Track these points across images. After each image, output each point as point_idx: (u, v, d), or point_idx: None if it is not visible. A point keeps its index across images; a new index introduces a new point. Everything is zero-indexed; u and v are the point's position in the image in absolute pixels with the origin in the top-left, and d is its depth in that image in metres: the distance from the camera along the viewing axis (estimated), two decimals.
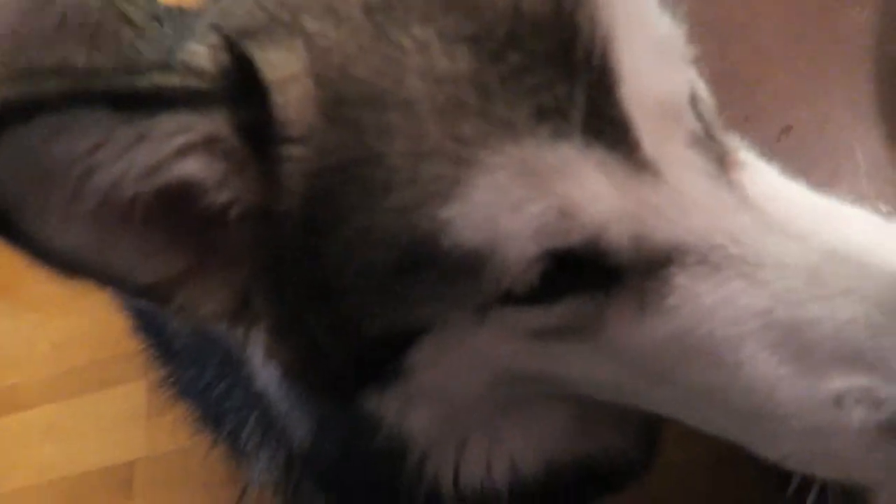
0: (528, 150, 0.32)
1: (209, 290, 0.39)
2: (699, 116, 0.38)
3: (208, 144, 0.34)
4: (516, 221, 0.33)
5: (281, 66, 0.34)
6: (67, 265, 0.35)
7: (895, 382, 0.31)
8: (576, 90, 0.32)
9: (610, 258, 0.35)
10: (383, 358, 0.40)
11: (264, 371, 0.48)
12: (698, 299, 0.34)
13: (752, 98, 0.56)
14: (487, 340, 0.39)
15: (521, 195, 0.33)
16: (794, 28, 0.60)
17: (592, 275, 0.36)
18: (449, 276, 0.35)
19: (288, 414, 0.50)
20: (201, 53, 0.34)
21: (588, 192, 0.33)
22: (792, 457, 0.36)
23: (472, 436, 0.48)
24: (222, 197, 0.36)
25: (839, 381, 0.33)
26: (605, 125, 0.33)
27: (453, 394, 0.44)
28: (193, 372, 0.74)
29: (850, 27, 0.58)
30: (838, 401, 0.33)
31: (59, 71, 0.31)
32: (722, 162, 0.37)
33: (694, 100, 0.38)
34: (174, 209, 0.36)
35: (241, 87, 0.34)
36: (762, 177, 0.38)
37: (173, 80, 0.33)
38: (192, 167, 0.34)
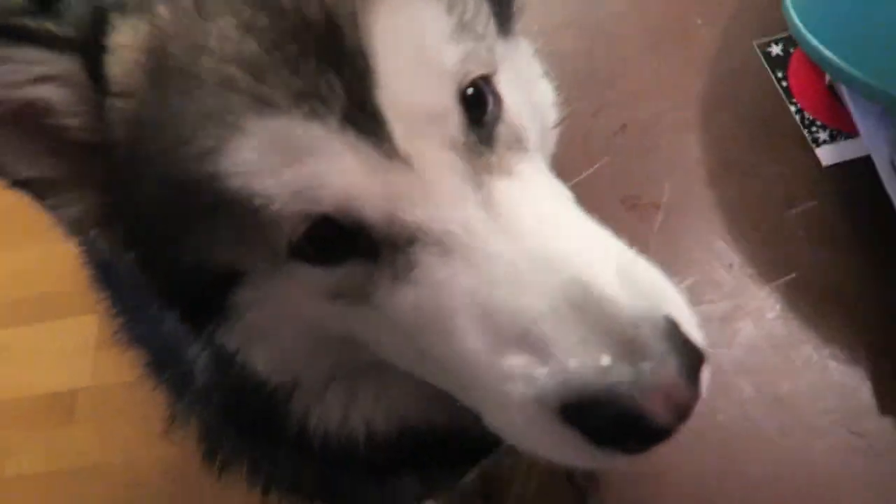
0: (282, 124, 0.37)
1: (71, 200, 0.45)
2: (484, 128, 0.43)
3: (62, 79, 0.42)
4: (274, 183, 0.38)
5: (123, 35, 0.42)
6: None
7: (547, 364, 0.36)
8: (335, 83, 0.38)
9: (371, 232, 0.40)
10: (213, 295, 0.45)
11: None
12: (432, 275, 0.39)
13: (602, 95, 0.65)
14: (291, 293, 0.44)
15: (275, 161, 0.38)
16: (652, 38, 0.69)
17: (363, 247, 0.41)
18: (238, 222, 0.40)
19: (182, 346, 0.55)
20: (76, 13, 0.42)
21: (336, 168, 0.38)
22: (494, 426, 0.40)
23: (330, 386, 0.52)
24: (72, 122, 0.43)
25: (511, 359, 0.38)
26: (361, 117, 0.38)
27: (282, 339, 0.48)
28: (142, 324, 0.77)
29: (697, 41, 0.68)
30: (509, 376, 0.38)
31: None
32: (485, 167, 0.41)
33: (488, 121, 0.43)
34: (38, 125, 0.43)
35: (94, 43, 0.41)
36: (522, 186, 0.42)
37: (42, 25, 0.41)
38: (47, 92, 0.41)
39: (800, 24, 0.54)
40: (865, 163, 0.57)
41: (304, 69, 0.38)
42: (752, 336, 0.54)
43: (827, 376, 0.52)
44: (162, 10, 0.41)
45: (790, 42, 0.65)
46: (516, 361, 0.37)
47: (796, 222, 0.58)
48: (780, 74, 0.64)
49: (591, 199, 0.60)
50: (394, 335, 0.43)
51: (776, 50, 0.66)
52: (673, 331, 0.37)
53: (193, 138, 0.39)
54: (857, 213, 0.57)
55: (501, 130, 0.44)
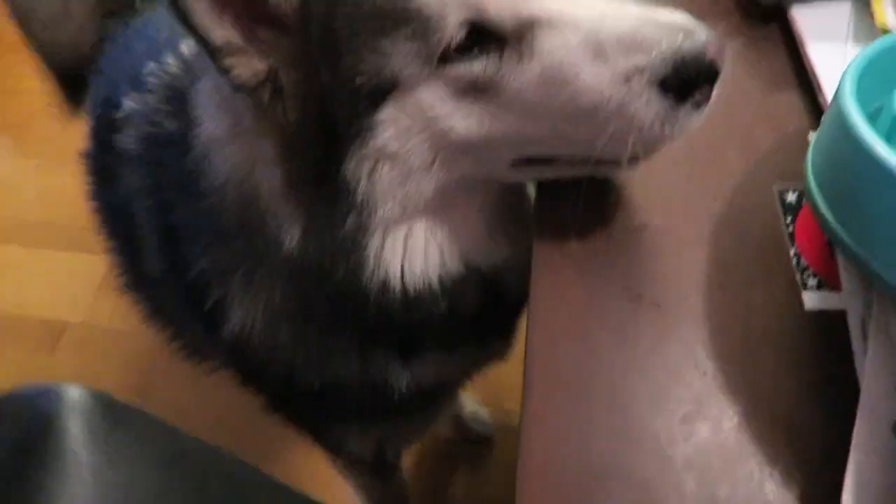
0: None
1: (249, 62, 0.60)
2: None
3: None
4: (451, 3, 0.56)
5: None
6: (183, 16, 0.56)
7: (653, 55, 0.56)
8: None
9: (502, 32, 0.57)
10: (362, 112, 0.59)
11: (263, 179, 0.66)
12: (551, 45, 0.57)
13: (630, 193, 0.73)
14: (431, 98, 0.59)
15: None
16: (686, 156, 0.77)
17: (492, 44, 0.58)
18: (413, 34, 0.56)
19: (279, 222, 0.66)
20: None
21: None
22: (612, 137, 0.58)
23: (415, 225, 0.66)
24: (283, 6, 0.59)
25: (623, 63, 0.56)
26: None
27: (411, 151, 0.61)
28: (153, 260, 0.86)
29: (726, 170, 0.76)
30: (627, 77, 0.56)
31: None
32: None
33: None
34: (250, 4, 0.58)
35: None
36: None
37: None
38: None
39: (812, 181, 0.62)
40: (842, 316, 0.64)
41: None
42: (707, 439, 0.60)
43: (762, 493, 0.58)
44: None
45: (804, 196, 0.72)
46: (629, 63, 0.55)
47: (770, 351, 0.64)
48: (788, 219, 0.72)
49: (600, 279, 0.67)
50: (515, 116, 0.59)
51: (791, 198, 0.73)
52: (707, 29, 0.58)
53: None
54: (826, 358, 0.64)
55: None
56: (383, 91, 0.58)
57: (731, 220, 0.73)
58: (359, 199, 0.62)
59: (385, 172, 0.61)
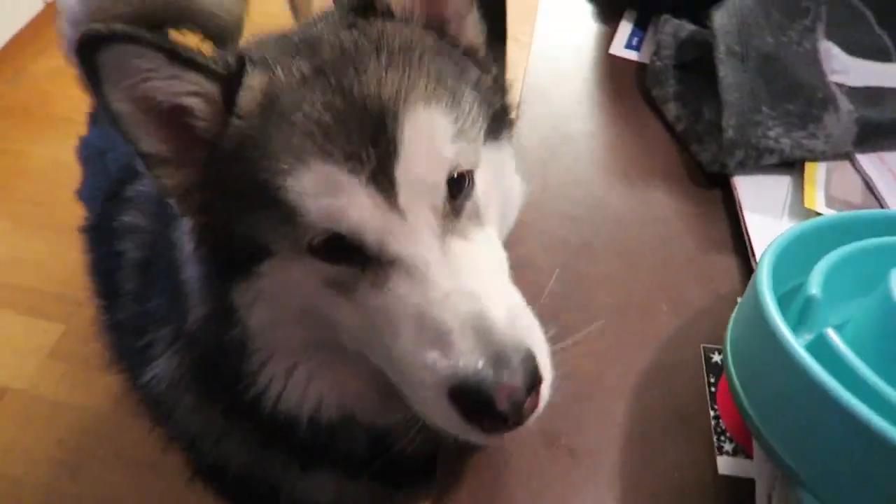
0: (332, 170, 0.57)
1: (174, 174, 0.64)
2: (457, 203, 0.62)
3: (206, 95, 0.62)
4: (315, 204, 0.58)
5: (254, 80, 0.62)
6: (113, 119, 0.60)
7: (448, 360, 0.55)
8: (371, 153, 0.58)
9: (366, 250, 0.59)
10: (246, 260, 0.63)
11: (189, 263, 0.71)
12: (397, 289, 0.58)
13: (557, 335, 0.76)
14: (301, 274, 0.61)
15: (321, 191, 0.58)
16: (619, 305, 0.79)
17: (357, 257, 0.60)
18: (284, 219, 0.59)
19: (192, 296, 0.71)
20: (228, 59, 0.62)
21: (357, 206, 0.58)
22: (416, 404, 0.59)
23: (299, 363, 0.68)
24: (200, 124, 0.62)
25: (429, 354, 0.56)
26: (381, 178, 0.58)
27: (282, 305, 0.65)
28: (130, 304, 0.94)
29: (656, 323, 0.78)
30: (425, 365, 0.56)
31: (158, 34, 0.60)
32: (451, 229, 0.61)
33: (461, 198, 0.63)
34: (177, 121, 0.62)
35: (235, 80, 0.62)
36: (471, 247, 0.62)
37: (206, 60, 0.61)
38: (194, 102, 0.62)
39: (730, 356, 0.64)
40: (752, 485, 0.64)
41: (355, 139, 0.58)
42: None
43: None
44: (279, 73, 0.62)
45: None
46: (431, 356, 0.56)
47: None
48: (712, 380, 0.74)
49: None
50: (362, 323, 0.61)
51: (717, 358, 0.76)
52: (528, 358, 0.56)
53: (274, 158, 0.58)
54: None
55: (468, 206, 0.64)
56: (262, 249, 0.62)
57: (656, 373, 0.75)
58: (242, 321, 0.66)
59: (260, 312, 0.65)
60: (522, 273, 0.81)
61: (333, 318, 0.63)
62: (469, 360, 0.54)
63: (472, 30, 0.72)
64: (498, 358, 0.55)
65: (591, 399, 0.72)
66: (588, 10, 1.22)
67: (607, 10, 1.21)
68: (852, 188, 0.90)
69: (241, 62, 0.62)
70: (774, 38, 0.97)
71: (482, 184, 0.65)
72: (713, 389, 0.73)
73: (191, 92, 0.61)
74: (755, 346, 0.63)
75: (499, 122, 0.70)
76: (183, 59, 0.60)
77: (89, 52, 0.56)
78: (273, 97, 0.61)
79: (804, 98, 0.92)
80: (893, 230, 0.70)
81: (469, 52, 0.71)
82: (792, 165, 0.92)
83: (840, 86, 0.94)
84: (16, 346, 2.03)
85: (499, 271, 0.64)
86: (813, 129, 0.90)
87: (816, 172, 0.91)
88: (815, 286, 0.62)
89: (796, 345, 0.56)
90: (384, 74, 0.60)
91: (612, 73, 1.11)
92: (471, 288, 0.58)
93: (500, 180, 0.70)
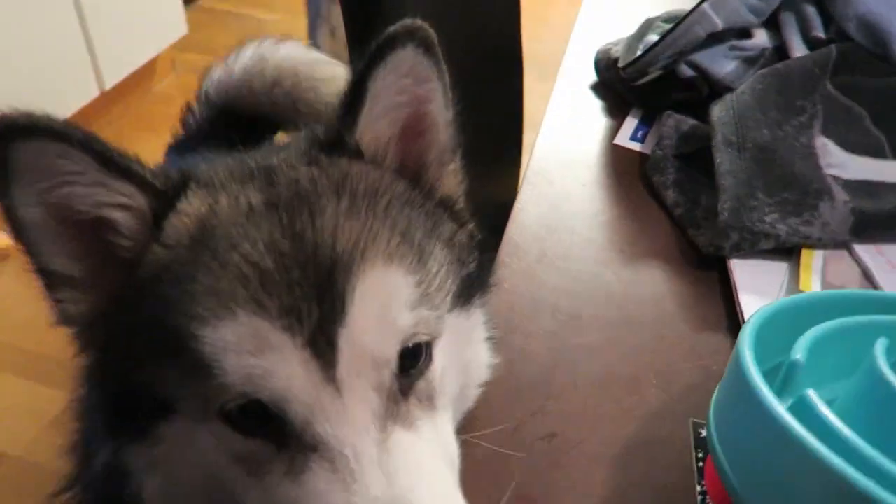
0: (264, 325, 0.48)
1: (80, 299, 0.54)
2: (408, 380, 0.53)
3: (134, 211, 0.52)
4: (236, 362, 0.48)
5: (190, 205, 0.53)
6: (17, 227, 0.50)
7: None
8: (314, 311, 0.49)
9: (286, 427, 0.49)
10: (142, 417, 0.53)
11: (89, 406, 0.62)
12: (316, 483, 0.48)
13: (543, 404, 0.73)
14: (207, 442, 0.52)
15: (245, 348, 0.48)
16: (607, 378, 0.78)
17: (276, 434, 0.50)
18: (195, 374, 0.49)
19: (92, 442, 0.62)
20: (169, 173, 0.55)
21: (286, 372, 0.48)
22: None
23: None
24: (122, 242, 0.53)
25: None
26: (321, 342, 0.48)
27: (182, 476, 0.55)
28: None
29: (645, 397, 0.76)
30: None
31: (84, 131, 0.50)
32: (394, 414, 0.51)
33: (413, 374, 0.53)
34: (94, 236, 0.52)
35: (169, 200, 0.53)
36: (416, 441, 0.51)
37: (141, 170, 0.52)
38: (120, 216, 0.52)
39: (713, 424, 0.62)
40: None
41: (296, 292, 0.49)
42: None
43: None
44: (223, 201, 0.53)
45: None
46: None
47: None
48: (700, 454, 0.71)
49: (497, 484, 0.65)
50: None
51: (705, 434, 0.73)
52: None
53: (196, 301, 0.49)
54: None
55: (420, 385, 0.54)
56: (164, 406, 0.53)
57: (643, 445, 0.72)
58: (135, 485, 0.57)
59: (156, 480, 0.56)
60: (511, 339, 0.81)
61: (240, 500, 0.53)
62: None
63: (452, 179, 0.64)
64: None
65: (570, 467, 0.70)
66: (597, 105, 1.28)
67: (615, 106, 1.27)
68: (849, 276, 0.89)
69: (185, 180, 0.55)
70: (771, 131, 1.00)
71: (441, 358, 0.56)
72: (701, 465, 0.70)
73: (119, 204, 0.52)
74: (737, 411, 0.61)
75: (472, 284, 0.61)
76: (117, 166, 0.51)
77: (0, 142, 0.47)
78: (209, 228, 0.52)
79: (799, 187, 0.93)
80: (878, 309, 0.69)
81: (445, 204, 0.63)
82: (789, 252, 0.93)
83: (836, 178, 0.95)
84: (16, 412, 2.02)
85: (445, 476, 0.53)
86: (808, 217, 0.91)
87: (813, 259, 0.91)
88: (799, 352, 0.61)
89: (775, 402, 0.54)
90: (342, 221, 0.52)
91: (616, 160, 1.14)
92: (407, 497, 0.47)
93: (463, 352, 0.62)
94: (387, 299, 0.52)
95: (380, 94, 0.57)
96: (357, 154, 0.59)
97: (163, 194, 0.53)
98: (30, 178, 0.49)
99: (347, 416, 0.49)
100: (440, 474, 0.52)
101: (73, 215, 0.51)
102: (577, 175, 1.11)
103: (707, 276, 0.93)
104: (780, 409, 0.53)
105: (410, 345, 0.53)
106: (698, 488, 0.68)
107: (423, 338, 0.54)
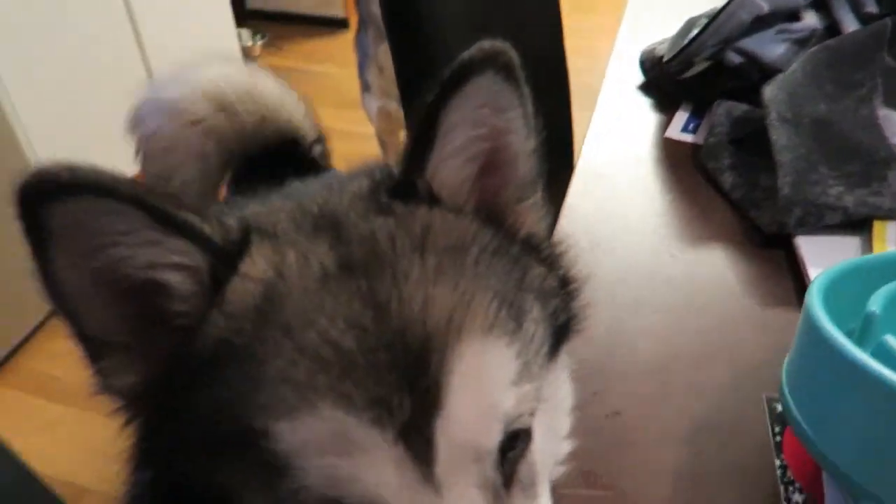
0: (349, 420, 0.40)
1: (124, 371, 0.46)
2: (508, 468, 0.45)
3: (191, 271, 0.44)
4: (317, 463, 0.40)
5: (254, 267, 0.44)
6: (54, 289, 0.42)
7: None
8: (406, 402, 0.41)
9: None
10: None
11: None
12: None
13: (608, 381, 0.71)
14: None
15: (327, 447, 0.40)
16: (678, 356, 0.75)
17: None
18: (265, 474, 0.42)
19: None
20: (228, 224, 0.46)
21: (376, 473, 0.41)
22: None
23: None
24: (178, 307, 0.45)
25: None
26: (415, 437, 0.41)
27: None
28: None
29: (714, 376, 0.73)
30: None
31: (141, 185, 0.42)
32: None
33: (512, 457, 0.46)
34: (144, 300, 0.44)
35: (229, 261, 0.45)
36: None
37: (199, 224, 0.44)
38: (175, 279, 0.44)
39: (786, 390, 0.59)
40: None
41: (386, 379, 0.41)
42: None
43: None
44: (290, 261, 0.44)
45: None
46: None
47: None
48: (777, 429, 0.67)
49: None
50: None
51: (781, 408, 0.69)
52: None
53: (265, 389, 0.41)
54: None
55: (522, 470, 0.46)
56: (224, 499, 0.45)
57: (714, 422, 0.69)
58: None
59: None
60: None
61: None
62: None
63: (534, 214, 0.54)
64: None
65: (637, 444, 0.67)
66: (646, 104, 1.27)
67: (663, 103, 1.25)
68: None
69: (246, 234, 0.46)
70: (827, 105, 0.96)
71: (539, 431, 0.48)
72: (778, 439, 0.66)
73: (173, 265, 0.44)
74: (812, 366, 0.58)
75: (561, 337, 0.53)
76: (174, 220, 0.43)
77: (36, 202, 0.39)
78: (277, 297, 0.43)
79: (864, 159, 0.89)
80: None
81: (529, 245, 0.53)
82: (859, 226, 0.88)
83: None
84: (100, 448, 2.08)
85: None
86: (877, 187, 0.87)
87: (887, 230, 0.86)
88: (874, 305, 0.58)
89: (853, 346, 0.51)
90: (431, 290, 0.44)
91: (668, 153, 1.12)
92: None
93: (557, 418, 0.54)
94: (489, 381, 0.43)
95: (455, 129, 0.48)
96: (433, 200, 0.49)
97: (223, 253, 0.45)
98: (72, 239, 0.41)
99: None
100: None
101: (122, 279, 0.44)
102: (628, 170, 1.10)
103: (772, 254, 0.89)
104: (860, 352, 0.50)
105: (513, 429, 0.45)
106: (777, 462, 0.64)
107: (527, 420, 0.46)
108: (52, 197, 0.39)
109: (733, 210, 0.97)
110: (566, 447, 0.58)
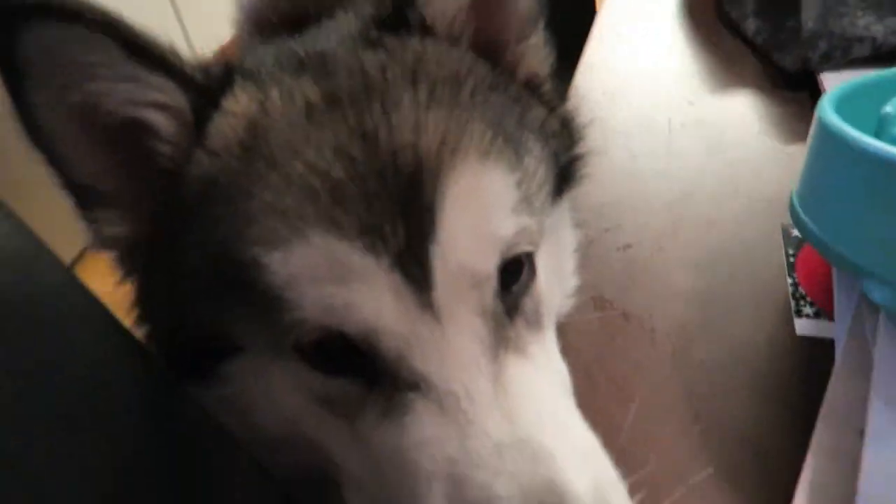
0: (342, 248, 0.39)
1: (118, 219, 0.45)
2: (511, 299, 0.44)
3: (176, 111, 0.43)
4: (312, 293, 0.39)
5: (237, 104, 0.44)
6: (36, 133, 0.42)
7: None
8: (399, 228, 0.40)
9: (379, 363, 0.41)
10: (203, 358, 0.45)
11: None
12: (421, 429, 0.39)
13: (618, 218, 0.72)
14: (281, 383, 0.44)
15: (322, 276, 0.39)
16: (698, 188, 0.75)
17: (365, 370, 0.41)
18: (263, 309, 0.41)
19: None
20: (211, 66, 0.45)
21: (373, 300, 0.39)
22: None
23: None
24: (163, 149, 0.44)
25: None
26: (411, 264, 0.40)
27: (254, 422, 0.47)
28: None
29: (731, 207, 0.72)
30: None
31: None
32: (503, 340, 0.42)
33: (516, 291, 0.45)
34: (126, 142, 0.44)
35: (212, 97, 0.44)
36: (532, 370, 0.43)
37: (178, 59, 0.43)
38: (157, 118, 0.43)
39: (796, 200, 0.58)
40: (829, 345, 0.57)
41: (377, 206, 0.40)
42: (671, 438, 0.53)
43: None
44: (274, 97, 0.43)
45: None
46: None
47: (748, 370, 0.58)
48: (791, 251, 0.67)
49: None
50: (364, 463, 0.42)
51: (797, 233, 0.68)
52: None
53: (256, 222, 0.40)
54: (809, 386, 0.56)
55: (526, 303, 0.46)
56: (228, 343, 0.45)
57: (728, 250, 0.69)
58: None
59: (231, 421, 0.46)
60: None
61: (326, 448, 0.45)
62: None
63: (536, 54, 0.53)
64: None
65: (647, 273, 0.68)
66: None
67: None
68: None
69: (229, 74, 0.45)
70: None
71: (543, 269, 0.48)
72: (792, 260, 0.66)
73: (155, 103, 0.43)
74: (821, 169, 0.56)
75: (564, 179, 0.53)
76: (151, 56, 0.41)
77: (4, 33, 0.38)
78: (262, 131, 0.42)
79: None
80: None
81: (531, 85, 0.52)
82: (888, 60, 0.84)
83: None
84: None
85: (569, 408, 0.45)
86: None
87: None
88: (890, 107, 0.56)
89: (865, 136, 0.50)
90: (423, 116, 0.42)
91: (691, 3, 1.08)
92: (536, 438, 0.39)
93: (561, 258, 0.54)
94: (485, 205, 0.42)
95: None
96: (425, 30, 0.48)
97: (205, 90, 0.44)
98: (46, 73, 0.40)
99: (451, 347, 0.40)
100: (563, 407, 0.44)
101: (102, 118, 0.42)
102: (649, 23, 1.06)
103: (796, 96, 0.86)
104: (872, 140, 0.49)
105: (511, 258, 0.44)
106: (789, 280, 0.64)
107: (527, 248, 0.45)
108: (18, 25, 0.38)
109: (756, 57, 0.94)
110: (573, 283, 0.58)
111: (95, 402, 0.33)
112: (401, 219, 0.40)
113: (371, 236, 0.40)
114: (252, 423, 0.46)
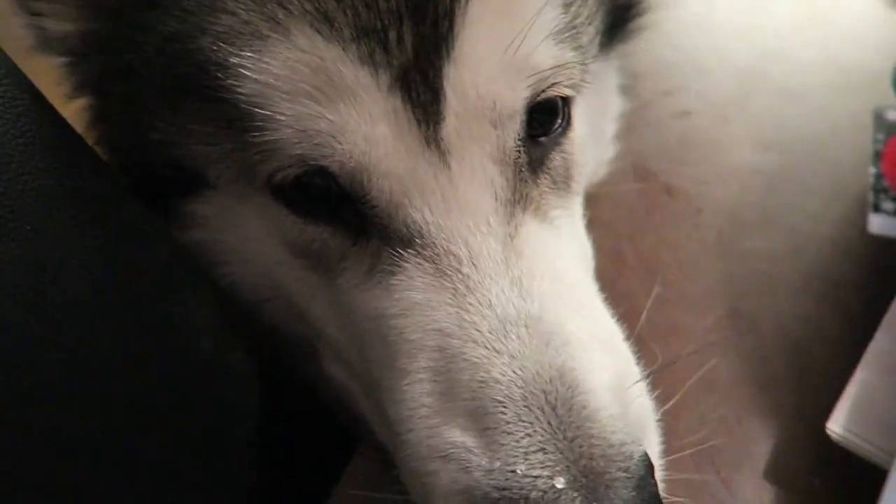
0: (332, 53, 0.30)
1: (62, 13, 0.38)
2: (540, 150, 0.37)
3: None
4: (291, 111, 0.31)
5: None
6: None
7: (491, 457, 0.30)
8: (407, 37, 0.31)
9: (367, 210, 0.33)
10: (169, 186, 0.38)
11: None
12: (412, 292, 0.32)
13: (680, 82, 0.62)
14: (256, 229, 0.37)
15: (305, 89, 0.31)
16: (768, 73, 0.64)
17: (349, 217, 0.34)
18: (233, 130, 0.33)
19: None
20: None
21: (364, 128, 0.31)
22: (407, 480, 0.34)
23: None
24: None
25: (454, 433, 0.30)
26: (417, 85, 0.31)
27: (223, 271, 0.41)
28: None
29: (820, 85, 0.61)
30: (444, 451, 0.31)
31: None
32: (522, 198, 0.35)
33: (545, 143, 0.37)
34: None
35: None
36: (552, 238, 0.36)
37: None
38: None
39: None
40: None
41: (381, 6, 0.31)
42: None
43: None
44: None
45: None
46: (458, 438, 0.30)
47: (812, 284, 0.50)
48: (880, 136, 0.57)
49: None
50: (343, 325, 0.36)
51: (893, 117, 0.58)
52: (643, 480, 0.29)
53: (226, 14, 0.31)
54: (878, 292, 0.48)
55: (555, 159, 0.38)
56: (193, 177, 0.37)
57: (804, 129, 0.59)
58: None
59: (201, 258, 0.40)
60: None
61: (304, 310, 0.38)
62: (536, 469, 0.29)
63: None
64: (594, 478, 0.29)
65: (704, 146, 0.59)
66: None
67: None
68: None
69: None
70: None
71: (581, 124, 0.40)
72: (879, 146, 0.56)
73: None
74: None
75: (618, 24, 0.43)
76: None
77: None
78: None
79: None
80: None
81: None
82: None
83: None
84: None
85: (588, 281, 0.38)
86: None
87: None
88: None
89: None
90: None
91: None
92: (549, 317, 0.32)
93: (602, 117, 0.46)
94: (521, 19, 0.32)
95: None
96: None
97: None
98: None
99: (458, 196, 0.33)
100: (585, 286, 0.36)
101: None
102: None
103: None
104: None
105: (544, 98, 0.35)
106: (872, 170, 0.55)
107: (565, 90, 0.36)
108: None
109: None
110: (611, 151, 0.51)
111: None
112: (410, 24, 0.31)
113: (369, 42, 0.31)
114: (230, 281, 0.40)
